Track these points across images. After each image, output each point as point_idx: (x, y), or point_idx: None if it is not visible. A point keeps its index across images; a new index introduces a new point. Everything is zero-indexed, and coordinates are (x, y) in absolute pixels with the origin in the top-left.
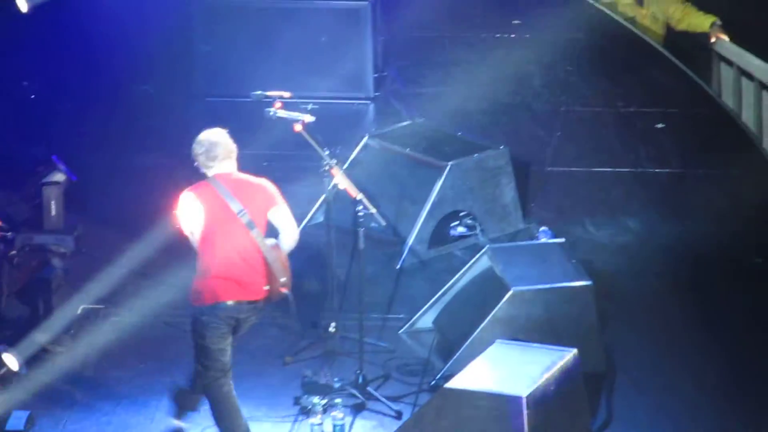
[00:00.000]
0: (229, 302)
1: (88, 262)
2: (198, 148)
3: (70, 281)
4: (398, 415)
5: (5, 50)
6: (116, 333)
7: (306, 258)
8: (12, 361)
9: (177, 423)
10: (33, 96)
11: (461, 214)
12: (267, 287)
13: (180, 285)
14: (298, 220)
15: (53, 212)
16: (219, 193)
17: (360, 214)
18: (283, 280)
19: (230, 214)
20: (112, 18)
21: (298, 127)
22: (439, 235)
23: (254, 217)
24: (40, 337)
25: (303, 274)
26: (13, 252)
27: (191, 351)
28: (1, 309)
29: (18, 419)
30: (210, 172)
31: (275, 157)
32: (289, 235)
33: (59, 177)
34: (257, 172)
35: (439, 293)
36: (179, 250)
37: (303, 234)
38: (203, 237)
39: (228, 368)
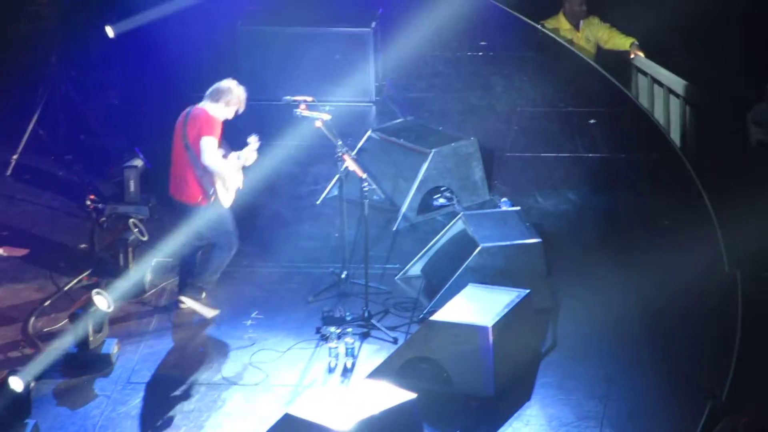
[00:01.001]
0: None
1: (159, 226)
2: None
3: (146, 241)
4: (395, 341)
5: (97, 66)
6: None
7: (324, 223)
8: (102, 302)
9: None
10: (117, 102)
11: (441, 188)
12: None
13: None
14: (318, 194)
15: (132, 188)
16: (181, 119)
17: (365, 189)
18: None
19: (179, 134)
20: (177, 40)
21: (318, 123)
22: (425, 204)
23: (191, 140)
24: (124, 283)
25: (322, 235)
26: (103, 219)
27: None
28: (95, 262)
29: (108, 344)
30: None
31: (300, 147)
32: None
33: (137, 162)
34: (285, 158)
35: (426, 249)
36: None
37: (321, 205)
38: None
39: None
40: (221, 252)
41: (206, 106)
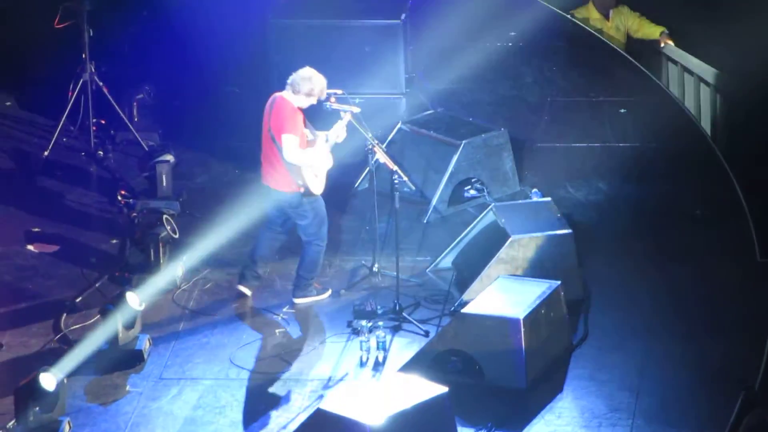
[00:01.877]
0: (263, 184)
1: (190, 221)
2: (291, 76)
3: (177, 235)
4: (426, 334)
5: (128, 61)
6: (211, 274)
7: (355, 215)
8: (134, 300)
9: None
10: (148, 97)
11: (472, 180)
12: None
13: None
14: (349, 187)
15: (164, 183)
16: (267, 107)
17: (396, 181)
18: (298, 181)
19: (265, 123)
20: (209, 35)
21: (348, 116)
22: (455, 196)
23: (275, 131)
24: (155, 279)
25: (353, 227)
26: (134, 214)
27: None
28: (126, 258)
29: (139, 340)
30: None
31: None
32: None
33: (168, 157)
34: None
35: (456, 240)
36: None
37: (352, 197)
38: None
39: (267, 225)
40: (313, 246)
41: (288, 96)
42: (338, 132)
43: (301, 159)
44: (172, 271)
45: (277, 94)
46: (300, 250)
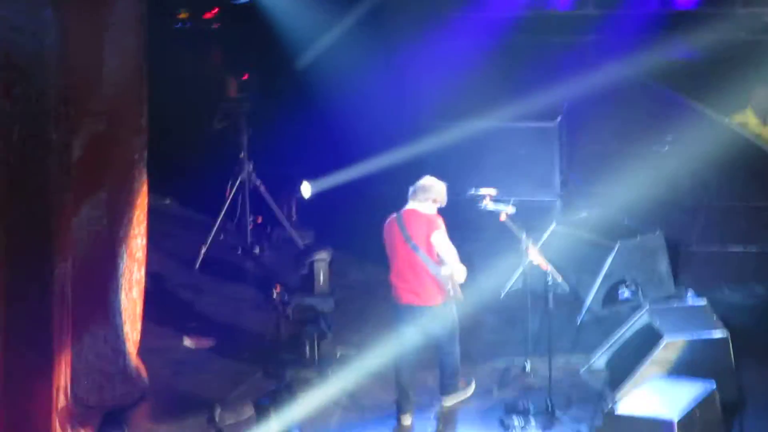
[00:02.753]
0: (402, 304)
1: (344, 318)
2: (411, 188)
3: (331, 332)
4: None
5: (286, 159)
6: (363, 371)
7: (508, 315)
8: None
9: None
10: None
11: (627, 282)
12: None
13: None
14: (501, 286)
15: (321, 281)
16: (395, 223)
17: (549, 281)
18: (447, 288)
19: (400, 239)
20: (365, 139)
21: (503, 217)
22: (609, 297)
23: (418, 241)
24: (310, 374)
25: (505, 328)
26: (289, 309)
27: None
28: (280, 353)
29: None
30: (405, 207)
31: (481, 237)
32: (443, 256)
33: (324, 255)
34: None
35: (610, 341)
36: None
37: (506, 297)
38: (389, 256)
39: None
40: (450, 353)
41: (416, 206)
42: (455, 286)
43: (454, 254)
44: (325, 366)
45: (403, 210)
46: (438, 361)
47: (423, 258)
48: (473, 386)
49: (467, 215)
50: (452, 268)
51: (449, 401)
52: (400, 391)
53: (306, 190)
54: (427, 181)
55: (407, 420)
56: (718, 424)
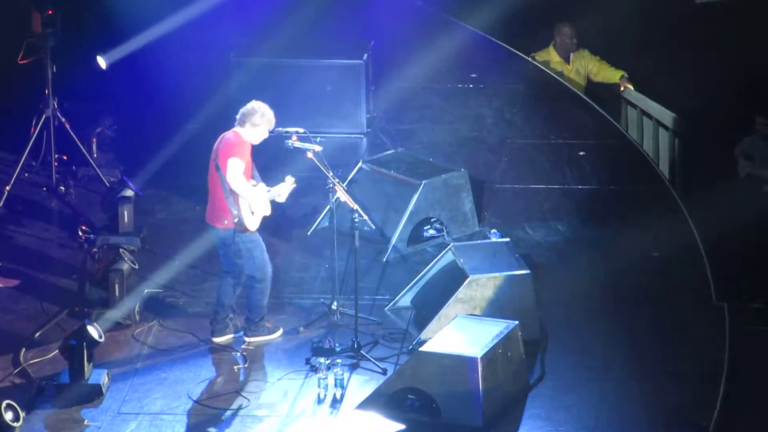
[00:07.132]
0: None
1: (150, 257)
2: None
3: (137, 271)
4: (384, 372)
5: (91, 97)
6: (171, 309)
7: (314, 254)
8: (94, 333)
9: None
10: (110, 133)
11: (432, 220)
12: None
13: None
14: (309, 224)
15: (125, 219)
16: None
17: (356, 220)
18: (234, 212)
19: (211, 158)
20: (171, 71)
21: (309, 155)
22: (415, 235)
23: (221, 161)
24: (114, 314)
25: (312, 266)
26: (95, 249)
27: None
28: (86, 293)
29: (98, 375)
30: None
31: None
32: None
33: (129, 193)
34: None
35: (415, 280)
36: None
37: (312, 236)
38: None
39: (224, 269)
40: (257, 283)
41: (236, 129)
42: (280, 191)
43: (242, 186)
44: (131, 306)
45: (227, 131)
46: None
47: (220, 178)
48: (280, 332)
49: (274, 153)
50: (244, 190)
51: (251, 339)
52: (213, 313)
53: (102, 62)
54: (249, 105)
55: (221, 341)
56: (520, 360)
